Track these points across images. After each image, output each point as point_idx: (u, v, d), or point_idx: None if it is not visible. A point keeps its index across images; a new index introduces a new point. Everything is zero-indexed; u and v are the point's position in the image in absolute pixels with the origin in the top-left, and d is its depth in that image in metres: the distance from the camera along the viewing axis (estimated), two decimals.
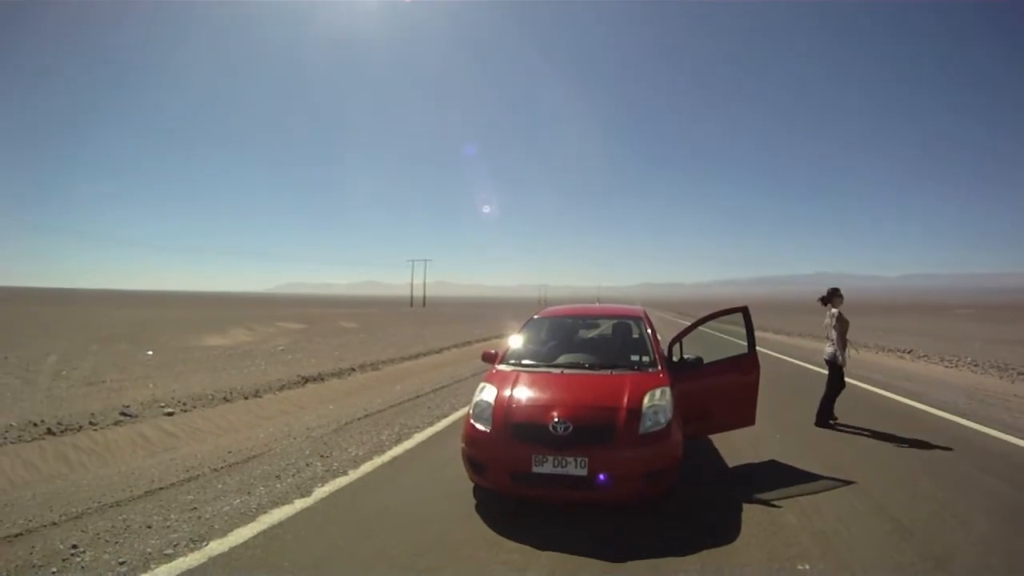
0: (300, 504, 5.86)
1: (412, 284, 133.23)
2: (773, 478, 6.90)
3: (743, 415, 7.41)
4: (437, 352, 23.29)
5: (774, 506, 5.89)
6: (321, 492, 6.22)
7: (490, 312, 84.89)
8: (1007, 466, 7.42)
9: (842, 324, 9.81)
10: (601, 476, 5.40)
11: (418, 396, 12.31)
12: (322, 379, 14.81)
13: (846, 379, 10.01)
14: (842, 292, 10.19)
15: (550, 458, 5.44)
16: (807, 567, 4.57)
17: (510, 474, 5.60)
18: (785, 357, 21.77)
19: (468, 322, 54.00)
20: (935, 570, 4.56)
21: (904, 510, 5.82)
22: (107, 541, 4.94)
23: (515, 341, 7.72)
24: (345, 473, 6.88)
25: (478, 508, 5.79)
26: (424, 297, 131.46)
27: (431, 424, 9.53)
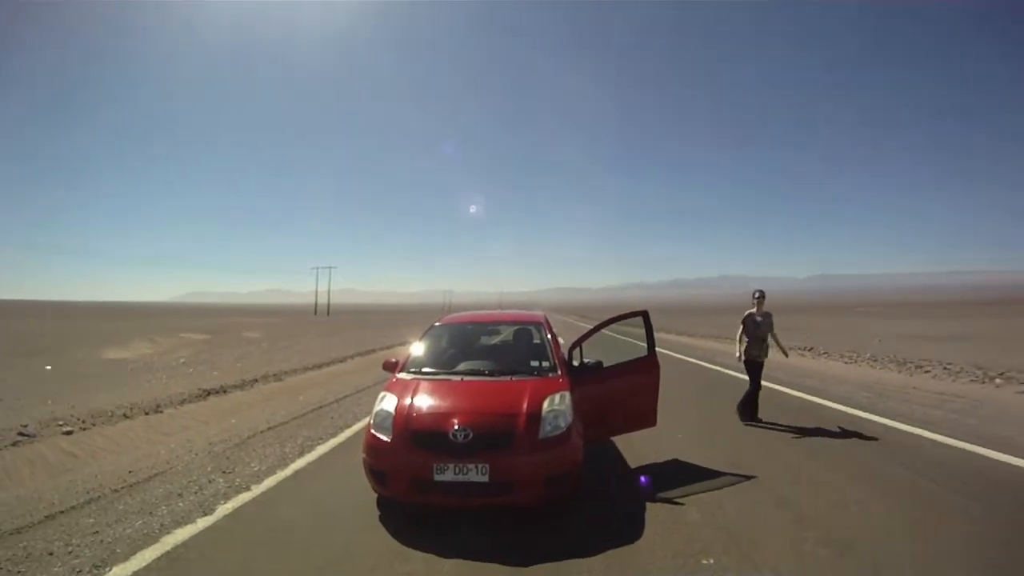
0: (203, 523, 5.70)
1: (317, 292, 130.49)
2: (675, 476, 7.06)
3: (645, 417, 7.53)
4: (341, 361, 23.08)
5: (677, 504, 6.05)
6: (224, 509, 6.07)
7: (395, 320, 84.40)
8: (905, 454, 7.92)
9: (765, 324, 10.48)
10: (503, 482, 5.45)
11: (321, 407, 12.18)
12: (224, 392, 14.46)
13: (747, 377, 10.58)
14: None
15: (451, 466, 5.46)
16: (711, 561, 4.72)
17: (412, 483, 5.60)
18: (687, 358, 22.48)
19: (373, 330, 53.51)
20: (838, 557, 4.79)
21: (806, 501, 6.09)
22: (8, 572, 4.70)
23: (416, 349, 7.68)
24: (248, 489, 6.73)
25: (382, 518, 5.77)
26: (328, 305, 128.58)
27: (334, 435, 9.46)
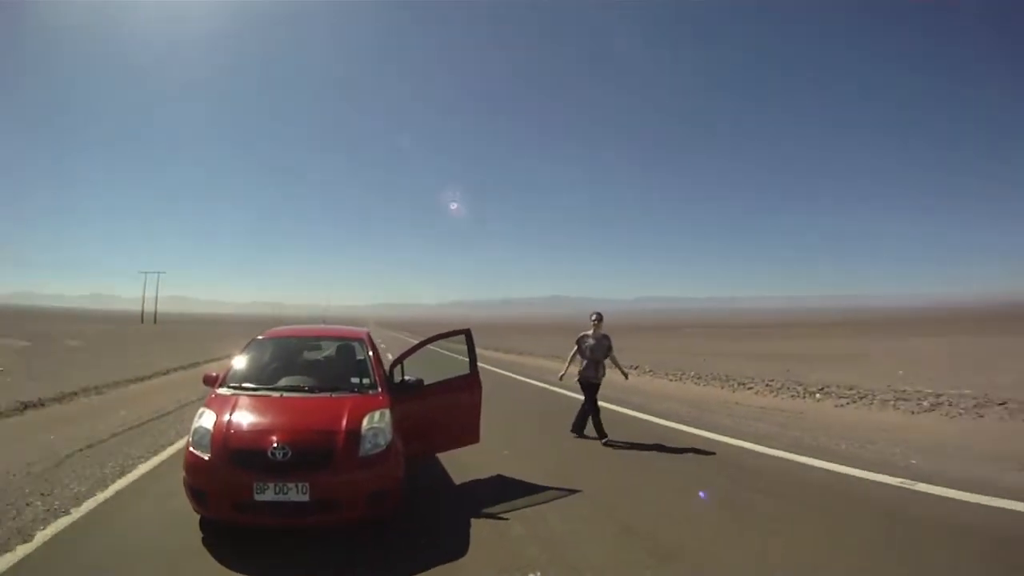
0: (22, 550, 5.31)
1: (144, 299, 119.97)
2: (500, 492, 7.23)
3: (467, 433, 7.69)
4: (164, 374, 22.07)
5: (501, 519, 6.19)
6: (43, 535, 5.67)
7: (224, 330, 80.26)
8: (728, 465, 8.52)
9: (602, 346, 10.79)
10: (324, 500, 5.44)
11: (143, 423, 11.65)
12: (42, 405, 13.52)
13: (578, 396, 11.08)
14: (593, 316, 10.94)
15: (271, 485, 5.36)
16: (537, 574, 4.84)
17: (232, 503, 5.47)
18: (516, 375, 23.40)
19: (200, 341, 50.76)
20: (661, 564, 5.05)
21: (631, 512, 6.39)
22: None
23: (237, 363, 7.43)
24: (68, 512, 6.32)
25: (205, 540, 5.57)
26: (156, 313, 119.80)
27: (155, 453, 9.08)
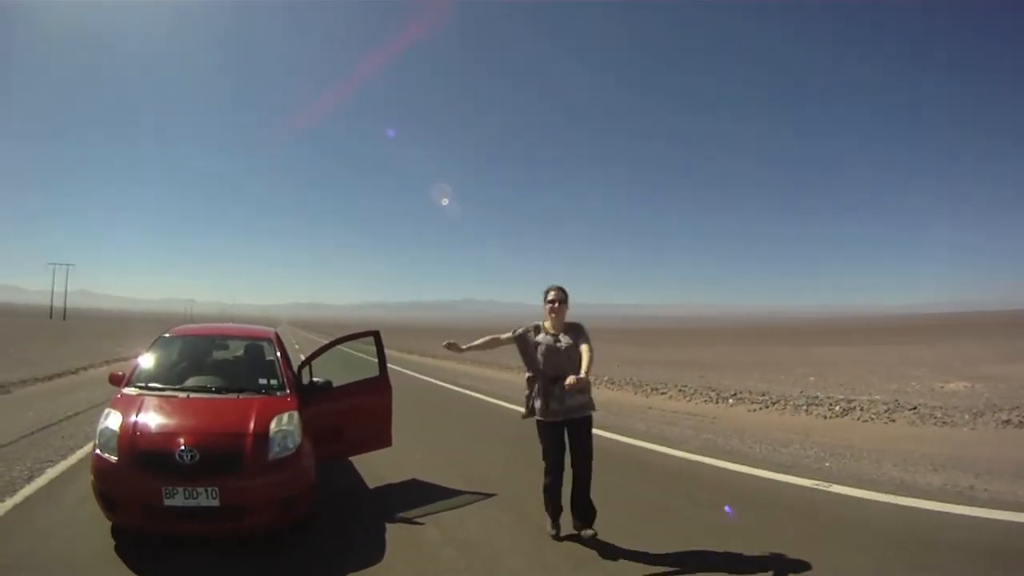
0: None
1: (53, 293, 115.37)
2: (415, 496, 7.20)
3: (379, 437, 7.59)
4: (74, 372, 21.25)
5: (416, 523, 6.18)
6: None
7: (135, 327, 77.65)
8: (640, 467, 8.72)
9: None
10: (234, 506, 5.35)
11: (51, 424, 11.16)
12: None
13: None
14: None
15: (180, 489, 5.20)
16: None
17: (142, 508, 5.28)
18: (428, 378, 23.39)
19: (111, 338, 48.76)
20: (578, 569, 5.16)
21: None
22: None
23: (144, 361, 7.16)
24: None
25: (118, 549, 5.38)
26: (65, 309, 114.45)
27: (65, 457, 8.68)
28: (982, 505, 6.52)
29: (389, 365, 7.99)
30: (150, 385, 6.63)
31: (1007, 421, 10.79)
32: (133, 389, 6.54)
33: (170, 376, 7.02)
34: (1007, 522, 6.02)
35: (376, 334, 7.92)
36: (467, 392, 17.85)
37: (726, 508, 6.67)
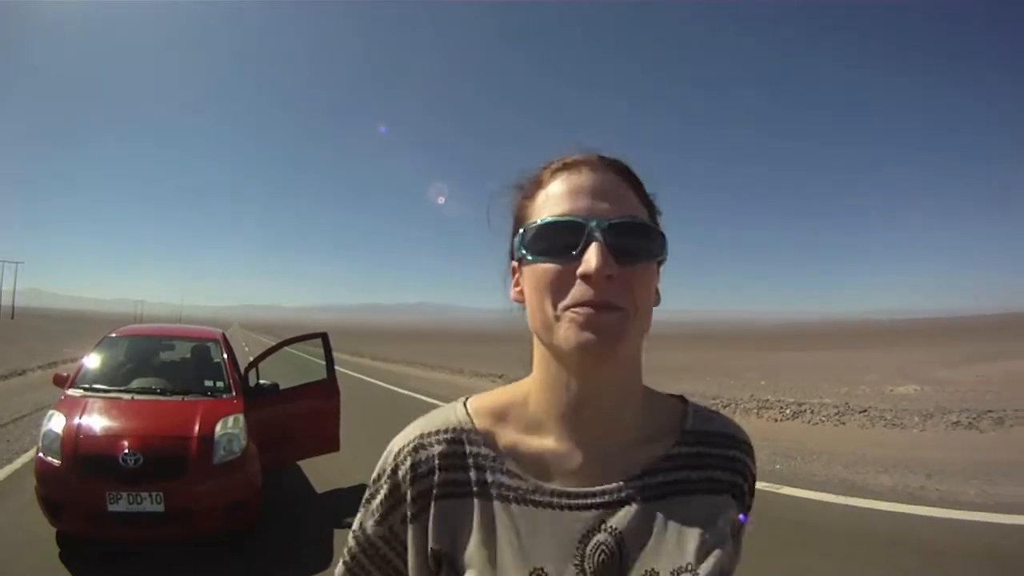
0: None
1: (1, 291, 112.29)
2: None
3: (326, 441, 7.39)
4: (21, 374, 20.54)
5: None
6: None
7: (86, 327, 76.37)
8: None
9: None
10: (180, 510, 5.21)
11: None
12: None
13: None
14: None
15: (124, 494, 5.04)
16: None
17: (86, 514, 5.11)
18: (379, 382, 23.26)
19: (62, 338, 47.21)
20: None
21: None
22: None
23: (89, 361, 6.98)
24: None
25: (63, 556, 5.21)
26: (13, 307, 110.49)
27: (9, 461, 8.41)
28: (933, 504, 6.67)
29: (339, 368, 7.87)
30: (95, 386, 6.45)
31: (956, 423, 11.03)
32: (78, 390, 6.33)
33: (115, 377, 6.85)
34: (959, 520, 6.16)
35: (324, 336, 7.73)
36: (416, 395, 17.78)
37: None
